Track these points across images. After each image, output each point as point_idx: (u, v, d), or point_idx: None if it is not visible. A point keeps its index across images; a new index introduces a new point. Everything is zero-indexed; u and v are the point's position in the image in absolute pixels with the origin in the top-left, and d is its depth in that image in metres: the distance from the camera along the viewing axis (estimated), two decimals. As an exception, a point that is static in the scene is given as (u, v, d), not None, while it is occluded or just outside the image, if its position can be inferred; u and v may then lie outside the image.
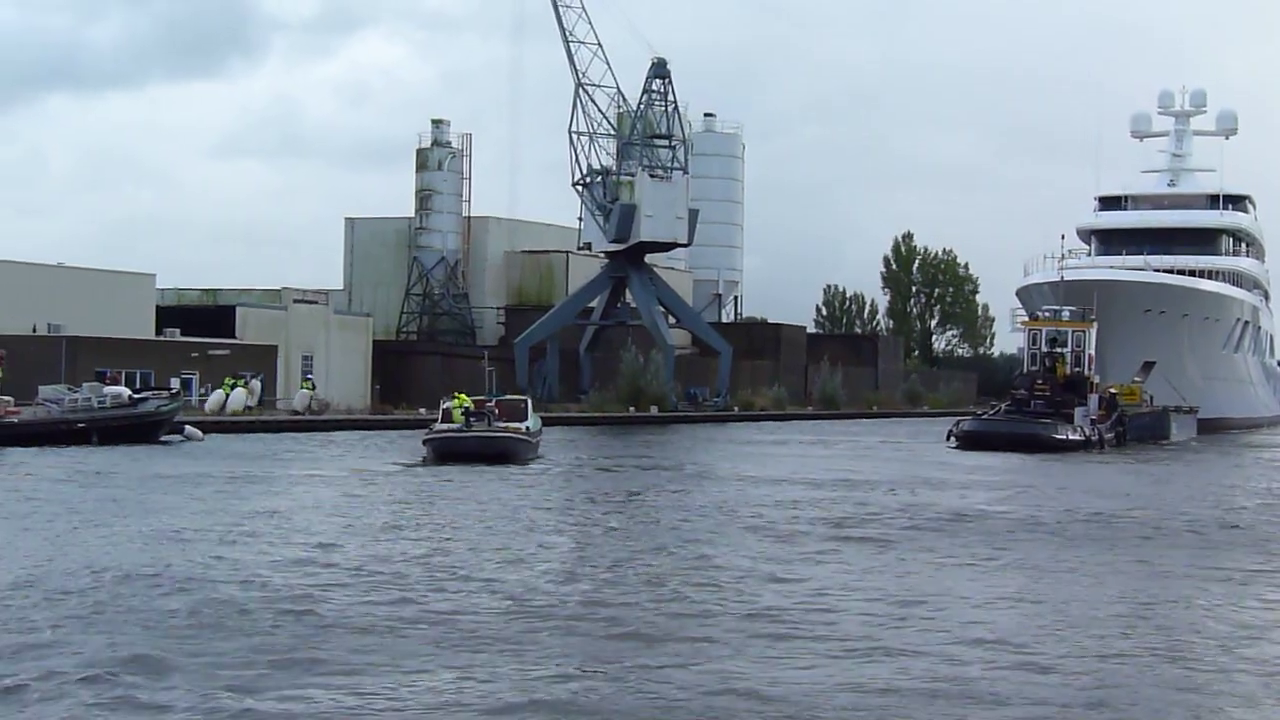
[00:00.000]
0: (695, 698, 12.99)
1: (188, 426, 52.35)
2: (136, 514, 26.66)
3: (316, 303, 79.84)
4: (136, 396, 51.42)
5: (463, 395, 45.06)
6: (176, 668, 13.68)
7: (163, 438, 50.20)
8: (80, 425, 47.76)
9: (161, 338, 69.51)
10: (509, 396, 49.04)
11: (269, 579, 18.97)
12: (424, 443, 43.41)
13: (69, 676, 13.21)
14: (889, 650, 15.13)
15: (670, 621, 16.63)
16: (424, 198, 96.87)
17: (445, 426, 43.27)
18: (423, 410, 71.51)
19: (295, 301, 78.22)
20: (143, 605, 16.88)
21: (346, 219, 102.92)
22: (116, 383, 53.68)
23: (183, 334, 69.95)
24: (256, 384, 66.04)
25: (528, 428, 44.23)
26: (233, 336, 72.66)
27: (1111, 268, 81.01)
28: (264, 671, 13.68)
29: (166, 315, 73.27)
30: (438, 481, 35.91)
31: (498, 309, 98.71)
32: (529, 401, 48.02)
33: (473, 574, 19.97)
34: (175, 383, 60.78)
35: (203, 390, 66.75)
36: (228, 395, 63.32)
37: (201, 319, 74.18)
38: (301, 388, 68.49)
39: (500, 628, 16.04)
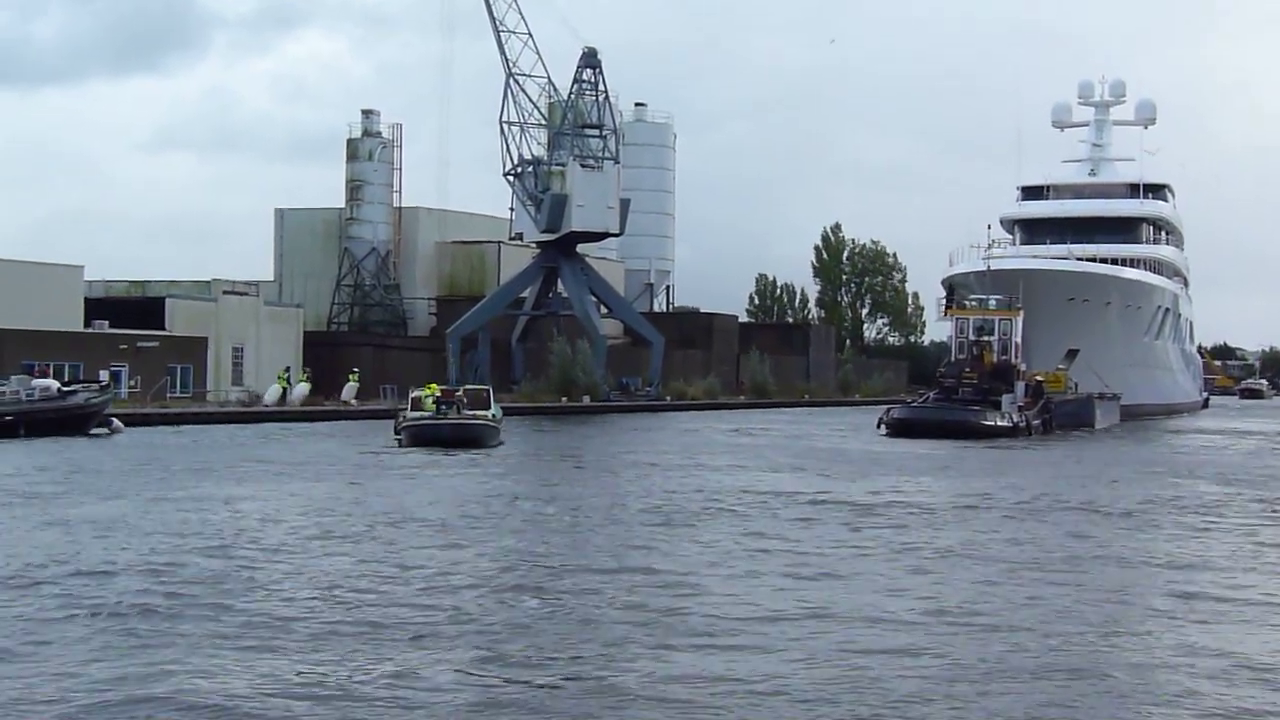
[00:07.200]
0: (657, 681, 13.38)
1: (114, 420, 52.08)
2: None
3: (246, 294, 79.38)
4: (66, 389, 51.14)
5: (433, 385, 47.96)
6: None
7: (92, 430, 49.97)
8: (8, 418, 47.43)
9: (90, 330, 68.98)
10: (473, 386, 52.79)
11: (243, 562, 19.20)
12: (399, 430, 45.60)
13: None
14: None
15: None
16: (354, 188, 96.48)
17: (417, 414, 45.65)
18: (353, 402, 71.31)
19: (225, 293, 77.76)
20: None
21: (276, 210, 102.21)
22: (45, 375, 53.34)
23: (111, 326, 69.43)
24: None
25: (493, 415, 46.64)
26: (162, 329, 72.20)
27: (1036, 257, 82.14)
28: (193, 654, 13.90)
29: (95, 307, 72.62)
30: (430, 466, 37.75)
31: (429, 299, 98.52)
32: (491, 391, 50.29)
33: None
34: (104, 375, 60.32)
35: (132, 382, 66.33)
36: (284, 389, 66.18)
37: (130, 311, 73.58)
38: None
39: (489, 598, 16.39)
